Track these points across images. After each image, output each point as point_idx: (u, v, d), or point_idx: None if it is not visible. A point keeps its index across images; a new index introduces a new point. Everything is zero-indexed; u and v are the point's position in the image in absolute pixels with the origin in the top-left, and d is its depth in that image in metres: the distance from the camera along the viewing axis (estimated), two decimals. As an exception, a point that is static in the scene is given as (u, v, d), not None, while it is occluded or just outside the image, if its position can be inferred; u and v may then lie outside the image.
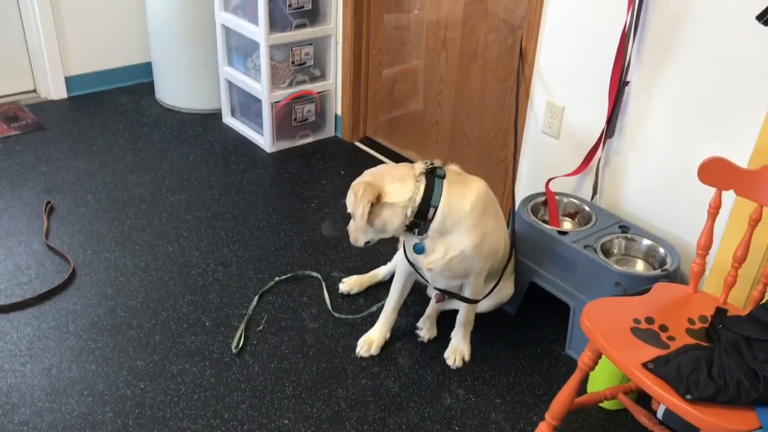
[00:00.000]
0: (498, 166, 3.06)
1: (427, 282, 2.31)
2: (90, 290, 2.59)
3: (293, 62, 3.48)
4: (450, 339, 2.38)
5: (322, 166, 3.50)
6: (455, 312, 2.38)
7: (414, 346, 2.42)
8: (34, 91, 4.05)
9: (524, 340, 2.47)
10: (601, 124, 2.45)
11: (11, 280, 2.61)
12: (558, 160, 2.68)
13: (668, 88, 2.27)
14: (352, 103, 3.63)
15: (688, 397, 1.53)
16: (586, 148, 2.52)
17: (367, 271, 2.71)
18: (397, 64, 3.43)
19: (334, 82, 3.64)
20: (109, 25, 4.03)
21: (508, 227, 2.56)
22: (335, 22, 3.48)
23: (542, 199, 2.56)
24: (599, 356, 1.79)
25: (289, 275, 2.71)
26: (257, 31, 3.33)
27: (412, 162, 2.18)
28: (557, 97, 2.63)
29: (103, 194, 3.17)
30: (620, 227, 2.41)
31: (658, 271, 2.21)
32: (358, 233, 2.10)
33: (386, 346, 2.40)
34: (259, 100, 3.52)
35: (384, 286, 2.59)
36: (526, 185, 2.84)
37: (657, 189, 2.39)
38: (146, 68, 4.13)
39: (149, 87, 4.13)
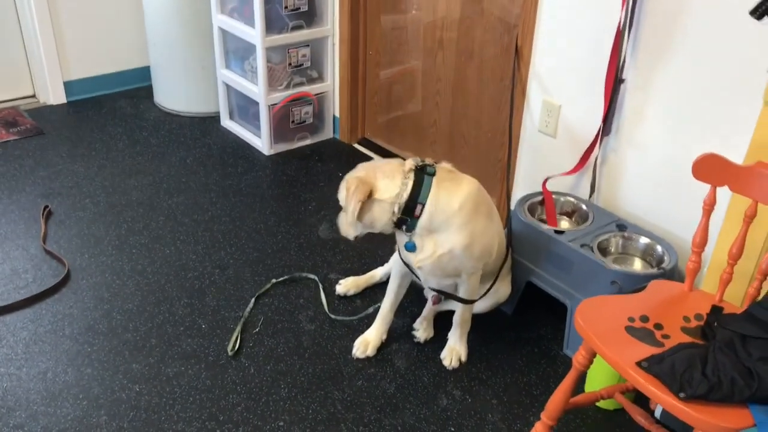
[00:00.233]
0: (496, 165, 3.05)
1: (422, 283, 2.30)
2: (86, 294, 2.59)
3: (290, 64, 3.48)
4: (447, 339, 2.37)
5: (320, 168, 3.50)
6: (452, 313, 2.37)
7: (410, 347, 2.41)
8: (34, 96, 4.06)
9: (521, 340, 2.46)
10: (598, 122, 2.44)
11: (8, 284, 2.61)
12: (555, 159, 2.67)
13: (663, 85, 2.25)
14: (350, 104, 3.63)
15: (682, 395, 1.51)
16: (583, 146, 2.51)
17: (364, 272, 2.70)
18: (395, 64, 3.42)
19: (332, 84, 3.64)
20: (108, 30, 4.04)
21: (505, 227, 2.55)
22: (332, 24, 3.48)
23: (539, 198, 2.55)
24: (594, 355, 1.77)
25: (285, 277, 2.70)
26: (253, 34, 3.33)
27: (406, 161, 2.17)
28: (554, 96, 2.61)
29: (101, 198, 3.18)
30: (617, 226, 2.39)
31: (655, 270, 2.19)
32: (348, 227, 2.10)
33: (383, 348, 2.39)
34: (257, 103, 3.52)
35: (381, 287, 2.58)
36: (523, 184, 2.83)
37: (654, 187, 2.38)
38: (145, 72, 4.14)
39: (148, 91, 4.14)
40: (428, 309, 2.47)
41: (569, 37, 2.49)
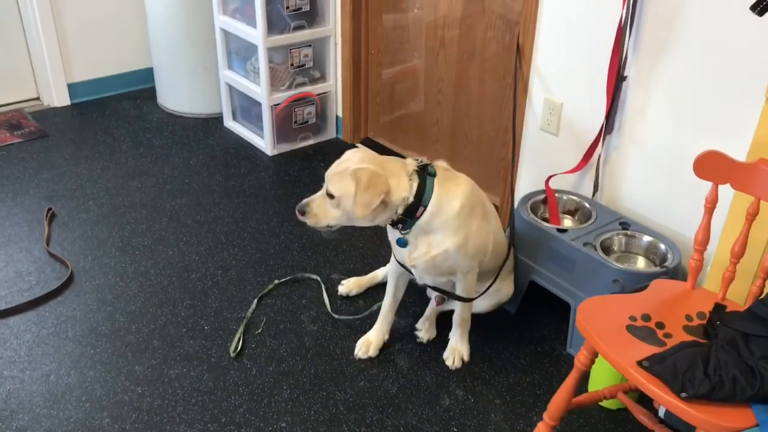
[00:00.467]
0: (498, 164, 3.03)
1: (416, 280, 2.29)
2: (90, 296, 2.59)
3: (292, 64, 3.47)
4: (448, 339, 2.36)
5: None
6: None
7: (413, 347, 2.40)
8: (37, 98, 4.07)
9: (524, 339, 2.45)
10: (600, 120, 2.42)
11: (11, 287, 2.62)
12: (558, 157, 2.66)
13: (666, 82, 2.24)
14: (353, 104, 3.62)
15: (683, 395, 1.50)
16: (586, 144, 2.50)
17: (366, 272, 2.70)
18: (397, 64, 3.41)
19: (334, 84, 3.64)
20: (111, 32, 4.05)
21: (507, 226, 2.54)
22: (334, 23, 3.48)
23: (542, 197, 2.54)
24: (596, 355, 1.76)
25: (288, 278, 2.70)
26: (255, 34, 3.33)
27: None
28: (555, 94, 2.60)
29: (104, 200, 3.18)
30: (621, 224, 2.38)
31: (657, 268, 2.18)
32: (332, 218, 2.02)
33: (385, 348, 2.38)
34: (260, 104, 3.52)
35: (383, 287, 2.55)
36: (526, 183, 2.81)
37: (657, 184, 2.36)
38: (148, 74, 4.14)
39: (151, 92, 4.14)
40: (431, 309, 2.47)
41: (570, 34, 2.47)
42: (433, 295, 2.49)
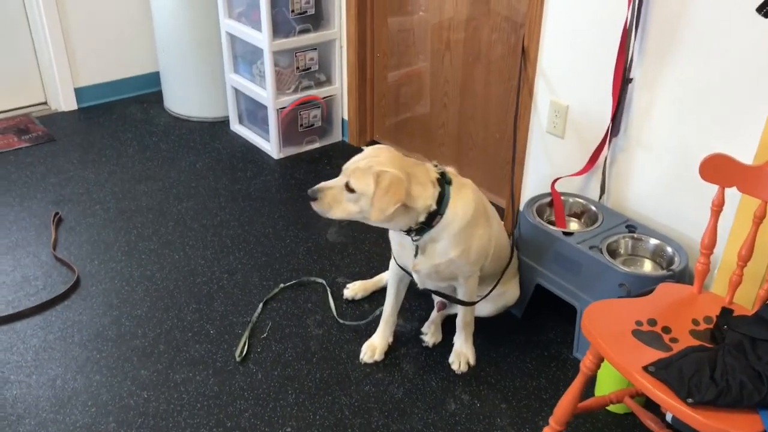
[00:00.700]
0: (504, 167, 3.02)
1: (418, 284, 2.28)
2: (96, 300, 2.60)
3: (298, 68, 3.47)
4: (453, 344, 2.36)
5: (328, 172, 3.49)
6: (460, 316, 2.36)
7: (419, 351, 2.40)
8: (45, 103, 4.09)
9: (530, 343, 2.43)
10: (606, 122, 2.41)
11: (18, 292, 2.63)
12: (564, 160, 2.65)
13: (672, 85, 2.22)
14: (359, 107, 3.62)
15: (690, 400, 1.48)
16: (592, 147, 2.49)
17: (371, 276, 2.69)
18: (402, 66, 3.41)
19: (340, 87, 3.63)
20: (117, 36, 4.06)
21: (513, 229, 2.53)
22: (339, 27, 3.48)
23: (548, 199, 2.53)
24: (601, 360, 1.75)
25: (293, 282, 2.70)
26: (261, 38, 3.33)
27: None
28: (561, 96, 2.59)
29: (111, 204, 3.19)
30: (627, 227, 2.37)
31: (664, 272, 2.17)
32: (344, 212, 1.97)
33: (391, 352, 2.37)
34: (266, 107, 3.52)
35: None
36: (532, 186, 2.80)
37: (664, 187, 2.35)
38: (154, 78, 4.16)
39: (158, 96, 4.15)
40: (436, 313, 2.46)
41: (576, 36, 2.46)
42: (437, 299, 2.48)
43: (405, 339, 2.44)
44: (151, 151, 3.66)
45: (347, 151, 3.69)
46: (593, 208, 2.48)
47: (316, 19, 3.43)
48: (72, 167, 3.48)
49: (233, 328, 2.47)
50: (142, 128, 3.89)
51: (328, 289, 2.64)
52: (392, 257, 2.27)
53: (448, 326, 2.44)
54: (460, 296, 2.23)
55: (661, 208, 2.37)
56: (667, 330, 1.71)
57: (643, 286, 2.04)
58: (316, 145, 3.71)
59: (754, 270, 1.87)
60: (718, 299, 1.83)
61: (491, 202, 2.27)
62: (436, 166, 2.06)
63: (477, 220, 2.08)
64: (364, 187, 1.92)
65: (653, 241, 2.31)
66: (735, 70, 2.04)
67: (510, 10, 2.80)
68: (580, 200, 2.53)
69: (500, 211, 2.71)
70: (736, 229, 1.92)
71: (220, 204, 3.21)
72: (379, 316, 2.43)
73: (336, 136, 3.77)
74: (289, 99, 3.50)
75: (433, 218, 2.00)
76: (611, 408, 2.15)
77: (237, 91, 3.75)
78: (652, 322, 1.73)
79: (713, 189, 1.81)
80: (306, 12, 3.37)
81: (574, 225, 2.51)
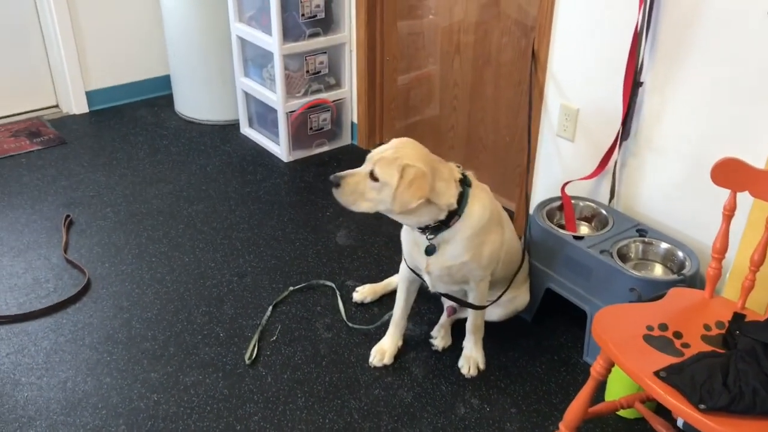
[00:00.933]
0: (514, 170, 3.02)
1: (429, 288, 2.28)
2: (106, 303, 2.61)
3: (308, 71, 3.48)
4: (463, 348, 2.35)
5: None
6: (470, 320, 2.35)
7: (428, 355, 2.39)
8: (56, 106, 4.11)
9: (541, 347, 2.43)
10: (617, 126, 2.40)
11: (30, 294, 2.64)
12: (574, 164, 2.64)
13: (683, 88, 2.21)
14: (368, 110, 3.62)
15: (702, 406, 1.47)
16: (602, 150, 2.48)
17: (381, 279, 2.69)
18: (412, 70, 3.41)
19: (350, 90, 3.64)
20: (128, 40, 4.08)
21: (523, 233, 2.52)
22: (349, 30, 3.48)
23: (558, 203, 2.52)
24: (612, 365, 1.74)
25: (303, 285, 2.70)
26: (271, 41, 3.34)
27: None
28: (572, 100, 2.58)
29: (121, 207, 3.20)
30: (638, 231, 2.36)
31: (675, 276, 2.15)
32: (366, 201, 1.94)
33: (400, 356, 2.37)
34: (276, 110, 3.53)
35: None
36: (542, 189, 2.80)
37: (675, 191, 2.34)
38: (165, 81, 4.18)
39: (168, 99, 4.17)
40: (445, 318, 2.45)
41: (586, 40, 2.45)
42: (446, 303, 2.47)
43: (414, 343, 2.43)
44: (161, 154, 3.67)
45: (357, 154, 3.69)
46: (604, 211, 2.47)
47: (326, 23, 3.43)
48: (83, 170, 3.50)
49: (243, 331, 2.47)
50: (153, 131, 3.90)
51: (338, 292, 2.64)
52: (403, 260, 2.27)
53: (458, 330, 2.43)
54: (471, 300, 2.22)
55: (672, 212, 2.36)
56: (678, 335, 1.70)
57: (654, 291, 2.03)
58: (326, 148, 3.72)
59: (765, 275, 1.85)
60: (730, 304, 1.82)
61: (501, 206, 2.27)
62: (458, 167, 2.06)
63: (491, 225, 2.09)
64: (389, 177, 1.90)
65: (664, 246, 2.30)
66: (746, 73, 2.03)
67: (520, 13, 2.79)
68: (591, 204, 2.52)
69: (510, 214, 2.70)
70: (748, 233, 1.91)
71: (230, 207, 3.21)
72: (388, 320, 2.43)
73: (345, 140, 3.77)
74: (298, 102, 3.50)
75: (451, 218, 2.00)
76: (622, 413, 2.13)
77: (247, 95, 3.76)
78: (664, 327, 1.72)
79: (724, 193, 1.80)
80: (316, 16, 3.37)
81: (584, 229, 2.50)
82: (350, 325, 2.50)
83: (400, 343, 2.37)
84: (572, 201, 2.51)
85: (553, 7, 2.51)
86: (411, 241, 2.15)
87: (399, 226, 2.18)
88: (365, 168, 1.96)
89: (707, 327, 1.73)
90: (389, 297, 2.62)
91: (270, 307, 2.57)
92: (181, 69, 3.93)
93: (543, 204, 2.51)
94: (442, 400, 2.22)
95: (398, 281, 2.35)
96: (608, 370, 1.75)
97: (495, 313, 2.38)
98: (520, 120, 2.91)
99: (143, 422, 2.12)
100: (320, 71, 3.52)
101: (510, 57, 2.89)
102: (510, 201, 3.02)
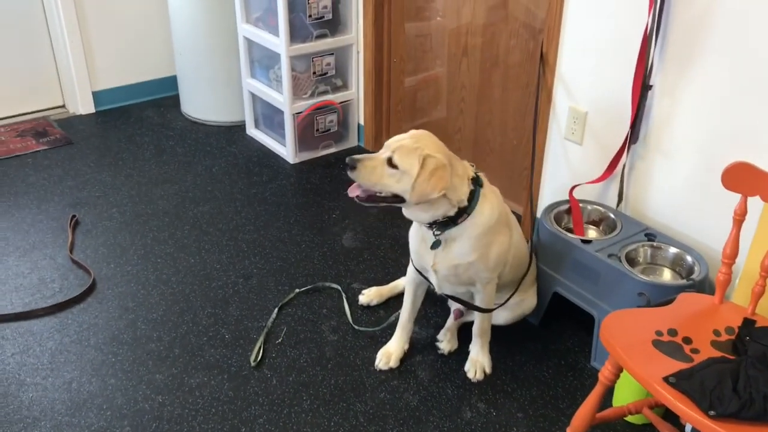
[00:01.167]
0: (522, 174, 3.00)
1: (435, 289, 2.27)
2: (112, 303, 2.60)
3: (315, 72, 3.47)
4: (469, 351, 2.34)
5: (344, 177, 3.45)
6: (476, 323, 2.34)
7: (434, 358, 2.38)
8: (63, 106, 4.12)
9: (548, 351, 2.41)
10: (625, 129, 2.39)
11: (35, 294, 2.64)
12: (582, 167, 2.63)
13: (692, 92, 2.20)
14: (375, 112, 3.61)
15: (712, 413, 1.46)
16: (611, 154, 2.46)
17: (387, 282, 2.68)
18: (419, 72, 3.40)
19: (356, 92, 3.63)
20: (135, 40, 4.08)
21: (531, 236, 2.51)
22: (356, 32, 3.47)
23: (566, 207, 2.51)
24: (620, 370, 1.73)
25: (309, 287, 2.69)
26: (278, 43, 3.34)
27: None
28: (580, 103, 2.57)
29: (127, 207, 3.20)
30: (646, 235, 2.34)
31: (684, 281, 2.14)
32: (382, 185, 1.93)
33: (406, 359, 2.36)
34: (282, 112, 3.52)
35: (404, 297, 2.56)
36: (549, 193, 2.78)
37: (684, 195, 2.32)
38: (171, 82, 4.18)
39: (175, 100, 4.17)
40: (452, 320, 2.44)
41: (595, 42, 2.44)
42: (453, 306, 2.46)
43: (420, 346, 2.42)
44: (167, 154, 3.67)
45: (363, 156, 3.68)
46: (612, 215, 2.46)
47: (333, 24, 3.43)
48: (89, 170, 3.50)
49: (248, 333, 2.46)
50: (159, 132, 3.90)
51: (344, 294, 2.63)
52: (410, 263, 2.26)
53: (465, 334, 2.42)
54: (478, 303, 2.21)
55: (681, 217, 2.35)
56: (687, 340, 1.68)
57: (662, 296, 2.02)
58: (332, 149, 3.71)
59: (777, 280, 1.84)
60: (740, 310, 1.80)
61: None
62: (472, 165, 2.07)
63: (499, 226, 2.09)
64: (408, 166, 1.90)
65: (673, 250, 2.28)
66: (757, 77, 2.02)
67: (528, 15, 2.78)
68: (599, 207, 2.50)
69: (517, 217, 2.69)
70: (758, 238, 1.89)
71: (236, 208, 3.21)
72: (394, 323, 2.42)
73: (352, 141, 3.76)
74: (305, 104, 3.50)
75: (460, 215, 2.00)
76: (630, 419, 2.12)
77: (254, 96, 3.75)
78: (673, 333, 1.70)
79: (734, 198, 1.78)
80: (323, 17, 3.37)
81: (592, 233, 2.49)
82: (356, 327, 2.49)
83: (406, 346, 2.36)
84: (580, 204, 2.49)
85: (562, 9, 2.50)
86: (419, 237, 2.14)
87: (405, 228, 2.17)
88: (383, 154, 1.95)
89: (717, 333, 1.72)
90: (395, 300, 2.61)
91: (276, 309, 2.56)
92: (187, 70, 3.93)
93: (551, 207, 2.49)
94: (448, 404, 2.20)
95: (405, 284, 2.35)
96: (617, 376, 1.73)
97: (502, 317, 2.37)
98: (528, 123, 2.90)
99: (148, 424, 2.12)
100: (327, 73, 3.52)
101: (518, 59, 2.88)
102: (517, 204, 3.01)
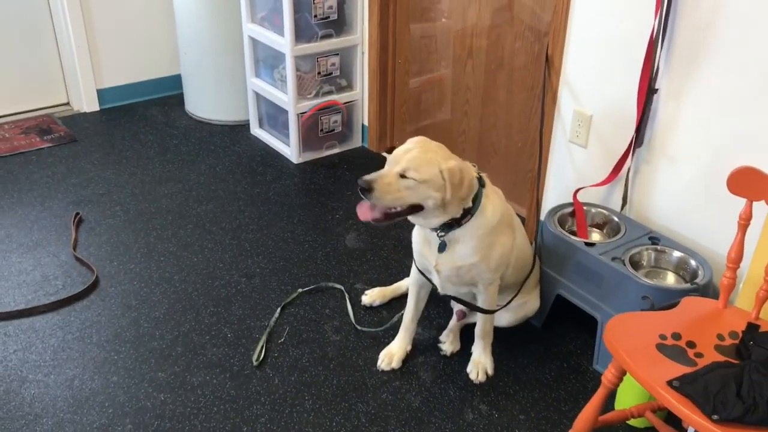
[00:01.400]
0: (526, 176, 3.00)
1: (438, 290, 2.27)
2: (114, 301, 2.61)
3: (319, 73, 3.48)
4: (471, 353, 2.34)
5: (348, 177, 3.48)
6: (479, 325, 2.34)
7: (437, 359, 2.38)
8: (67, 104, 4.12)
9: (550, 354, 2.41)
10: (630, 132, 2.39)
11: (38, 291, 2.64)
12: (586, 170, 2.62)
13: (698, 95, 2.20)
14: (379, 113, 3.61)
15: (715, 417, 1.46)
16: (615, 157, 2.46)
17: (390, 283, 2.68)
18: (424, 73, 3.40)
19: (361, 92, 3.63)
20: (140, 39, 4.09)
21: (534, 240, 2.51)
22: (361, 32, 3.47)
23: (570, 209, 2.50)
24: (624, 373, 1.72)
25: (312, 287, 2.69)
26: (283, 42, 3.34)
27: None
28: (585, 106, 2.57)
29: (131, 205, 3.20)
30: (650, 238, 2.34)
31: (688, 285, 2.13)
32: (399, 199, 1.93)
33: (408, 360, 2.36)
34: (286, 111, 3.52)
35: (407, 298, 2.54)
36: (553, 195, 2.78)
37: (689, 199, 2.32)
38: (176, 80, 4.18)
39: (179, 99, 4.17)
40: (454, 321, 2.44)
41: (601, 45, 2.44)
42: (456, 307, 2.46)
43: (423, 347, 2.42)
44: (171, 153, 3.67)
45: (367, 156, 3.68)
46: (616, 218, 2.45)
47: (338, 25, 3.43)
48: (93, 168, 3.50)
49: (251, 332, 2.46)
50: (163, 131, 3.90)
51: (347, 295, 2.63)
52: (413, 264, 2.26)
53: (467, 335, 2.42)
54: (480, 304, 2.21)
55: (685, 221, 2.34)
56: (691, 344, 1.68)
57: (666, 299, 2.02)
58: (336, 150, 3.71)
59: (781, 285, 1.84)
60: (743, 314, 1.80)
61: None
62: (474, 166, 2.08)
63: (502, 226, 2.09)
64: (428, 175, 1.91)
65: (677, 254, 2.28)
66: (762, 81, 2.01)
67: (534, 18, 2.78)
68: (603, 211, 2.50)
69: (521, 220, 2.69)
70: (763, 243, 1.89)
71: (239, 207, 3.21)
72: (396, 324, 2.42)
73: (356, 142, 3.76)
74: (309, 104, 3.50)
75: (464, 216, 2.01)
76: (632, 422, 2.11)
77: (258, 95, 3.76)
78: (677, 336, 1.70)
79: (739, 202, 1.78)
80: (329, 17, 3.37)
81: (596, 236, 2.49)
82: (359, 328, 2.49)
83: (408, 347, 2.36)
84: (584, 207, 2.49)
85: (567, 11, 2.50)
86: (422, 239, 2.14)
87: (408, 229, 2.17)
88: (392, 169, 1.95)
89: (721, 337, 1.72)
90: (398, 301, 2.61)
91: (278, 309, 2.56)
92: (192, 69, 3.93)
93: (555, 210, 2.49)
94: (450, 405, 2.20)
95: (409, 285, 2.35)
96: (620, 379, 1.73)
97: (504, 319, 2.37)
98: (532, 125, 2.90)
99: (150, 422, 2.12)
100: (332, 73, 3.52)
101: (523, 62, 2.88)
102: (521, 206, 3.00)
